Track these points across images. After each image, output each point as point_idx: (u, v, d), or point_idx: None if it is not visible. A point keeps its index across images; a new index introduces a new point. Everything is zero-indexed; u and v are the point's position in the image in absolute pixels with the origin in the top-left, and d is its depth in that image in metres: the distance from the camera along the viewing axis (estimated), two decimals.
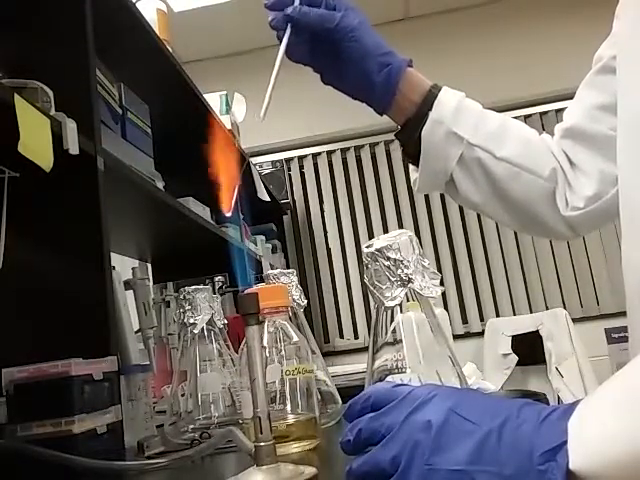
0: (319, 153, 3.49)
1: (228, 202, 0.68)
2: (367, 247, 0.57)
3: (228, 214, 0.66)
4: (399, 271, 0.55)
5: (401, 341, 0.56)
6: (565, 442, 0.37)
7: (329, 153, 3.49)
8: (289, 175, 3.48)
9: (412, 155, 0.81)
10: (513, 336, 2.65)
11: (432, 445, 0.40)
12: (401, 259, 0.56)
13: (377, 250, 0.56)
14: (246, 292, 0.60)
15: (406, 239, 0.56)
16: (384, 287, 0.56)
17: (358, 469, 0.43)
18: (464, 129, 0.77)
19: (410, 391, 0.44)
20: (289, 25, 0.72)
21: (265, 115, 0.70)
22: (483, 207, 0.82)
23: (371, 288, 0.57)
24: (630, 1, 0.64)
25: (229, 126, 2.10)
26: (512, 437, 0.39)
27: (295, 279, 0.92)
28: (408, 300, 0.56)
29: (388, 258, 0.56)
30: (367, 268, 0.57)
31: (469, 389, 0.45)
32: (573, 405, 0.39)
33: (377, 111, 0.81)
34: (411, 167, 0.84)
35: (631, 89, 0.61)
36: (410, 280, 0.55)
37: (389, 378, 0.55)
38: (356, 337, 3.33)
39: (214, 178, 0.67)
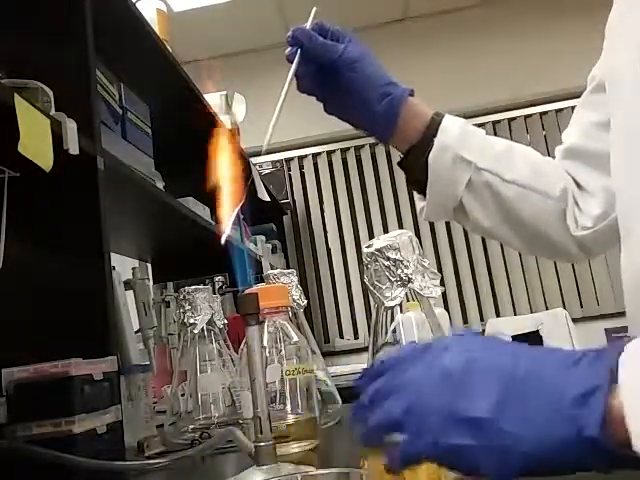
0: (319, 153, 3.49)
1: (230, 205, 0.68)
2: (367, 247, 0.57)
3: (230, 219, 0.66)
4: (399, 271, 0.56)
5: (401, 341, 0.56)
6: (598, 386, 0.35)
7: (329, 153, 3.49)
8: (289, 175, 3.48)
9: (417, 183, 0.81)
10: (513, 336, 2.65)
11: (452, 393, 0.38)
12: (401, 259, 0.56)
13: (377, 250, 0.56)
14: (246, 292, 0.60)
15: (406, 239, 0.56)
16: (384, 287, 0.56)
17: (370, 424, 0.41)
18: (471, 153, 0.77)
19: (427, 344, 0.43)
20: (298, 51, 0.74)
21: (266, 148, 0.71)
22: (493, 231, 0.81)
23: (371, 288, 0.57)
24: (614, 20, 0.65)
25: (229, 126, 2.10)
26: (538, 381, 0.37)
27: (295, 279, 0.92)
28: (408, 300, 0.56)
29: (388, 258, 0.56)
30: (367, 268, 0.57)
31: (488, 336, 0.43)
32: (604, 350, 0.37)
33: (380, 140, 0.82)
34: (416, 195, 0.83)
35: (618, 105, 0.61)
36: (410, 280, 0.56)
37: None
38: (356, 337, 3.33)
39: (214, 178, 0.67)
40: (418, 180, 0.80)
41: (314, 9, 0.79)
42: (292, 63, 0.74)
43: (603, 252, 0.74)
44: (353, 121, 0.81)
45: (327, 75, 0.77)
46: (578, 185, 0.78)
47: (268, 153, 3.40)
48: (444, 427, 0.38)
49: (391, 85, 0.77)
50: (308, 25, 0.77)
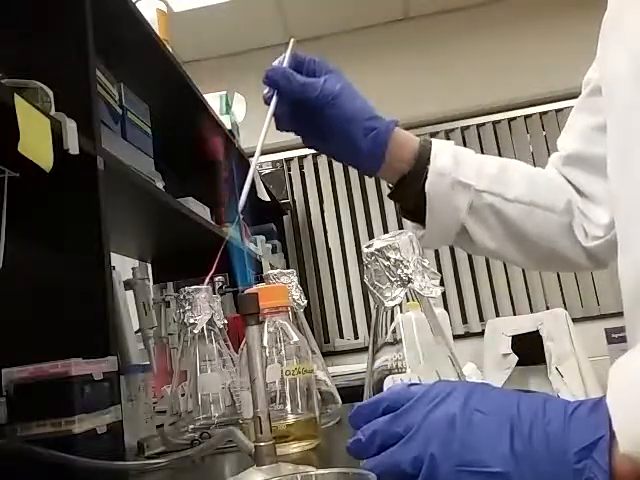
0: (319, 153, 3.48)
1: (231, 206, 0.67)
2: (367, 247, 0.57)
3: (232, 216, 0.65)
4: (399, 271, 0.55)
5: (401, 341, 0.56)
6: (600, 438, 0.36)
7: None
8: (289, 175, 3.49)
9: (410, 212, 0.80)
10: (513, 336, 2.65)
11: (459, 445, 0.39)
12: (401, 259, 0.56)
13: (377, 250, 0.56)
14: (246, 292, 0.60)
15: (406, 239, 0.56)
16: (384, 287, 0.56)
17: (372, 471, 0.41)
18: (468, 176, 0.75)
19: (427, 389, 0.43)
20: (275, 92, 0.71)
21: (243, 208, 0.67)
22: (499, 252, 0.80)
23: (371, 288, 0.57)
24: (608, 23, 0.65)
25: (229, 126, 2.10)
26: (543, 435, 0.38)
27: (295, 279, 0.92)
28: (408, 300, 0.56)
29: (388, 258, 0.56)
30: (367, 268, 0.57)
31: (485, 383, 0.44)
32: (601, 399, 0.39)
33: (367, 174, 0.80)
34: (410, 224, 0.82)
35: (614, 108, 0.61)
36: (410, 280, 0.55)
37: (389, 378, 0.55)
38: (356, 337, 3.33)
39: (214, 178, 0.67)
40: (412, 209, 0.79)
41: (292, 40, 0.74)
42: (269, 105, 0.71)
43: (614, 260, 0.70)
44: (336, 156, 0.79)
45: (306, 113, 0.73)
46: (582, 194, 0.77)
47: (265, 154, 3.40)
48: (453, 478, 0.38)
49: (374, 119, 0.74)
50: (286, 59, 0.73)
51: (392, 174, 0.78)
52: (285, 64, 0.73)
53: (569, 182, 0.79)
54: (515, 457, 0.38)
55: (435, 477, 0.39)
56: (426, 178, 0.75)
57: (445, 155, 0.76)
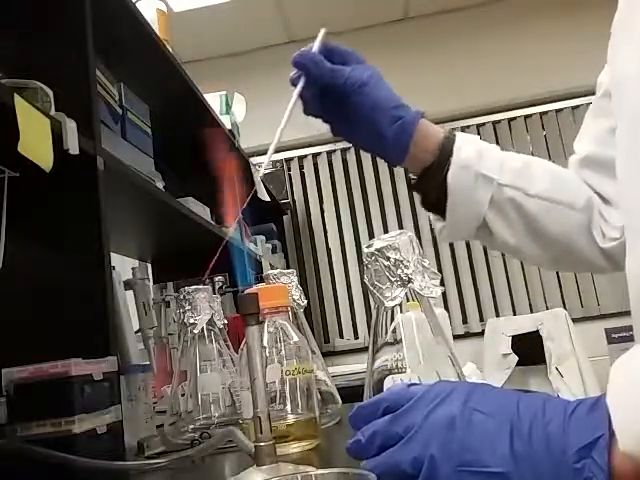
0: (319, 153, 3.49)
1: (231, 207, 0.68)
2: (367, 247, 0.57)
3: (232, 222, 0.66)
4: (399, 271, 0.55)
5: (401, 341, 0.56)
6: (599, 437, 0.37)
7: (329, 153, 3.49)
8: (289, 175, 3.48)
9: (433, 204, 0.79)
10: (513, 336, 2.65)
11: (459, 445, 0.39)
12: (401, 259, 0.56)
13: (377, 250, 0.56)
14: (246, 292, 0.60)
15: (406, 239, 0.56)
16: (384, 287, 0.56)
17: (372, 471, 0.41)
18: (491, 170, 0.75)
19: (426, 390, 0.44)
20: (302, 77, 0.72)
21: (264, 170, 0.70)
22: (519, 248, 0.79)
23: (371, 288, 0.57)
24: (618, 26, 0.65)
25: (229, 126, 2.10)
26: (542, 435, 0.38)
27: (295, 279, 0.92)
28: (408, 300, 0.56)
29: (388, 258, 0.56)
30: (367, 268, 0.57)
31: (484, 383, 0.44)
32: (600, 398, 0.39)
33: (390, 163, 0.80)
34: (433, 217, 0.82)
35: (623, 111, 0.61)
36: (410, 280, 0.55)
37: (389, 378, 0.55)
38: (356, 337, 3.33)
39: (214, 178, 0.67)
40: (433, 202, 0.79)
41: (323, 30, 0.76)
42: (295, 87, 0.72)
43: None
44: (362, 145, 0.79)
45: (334, 99, 0.74)
46: (599, 195, 0.77)
47: (264, 154, 3.40)
48: (454, 478, 0.39)
49: (401, 108, 0.75)
50: (315, 47, 0.74)
51: (415, 165, 0.78)
52: (315, 50, 0.74)
53: (587, 184, 0.79)
54: (515, 457, 0.38)
55: (435, 477, 0.39)
56: (448, 170, 0.75)
57: (469, 147, 0.76)
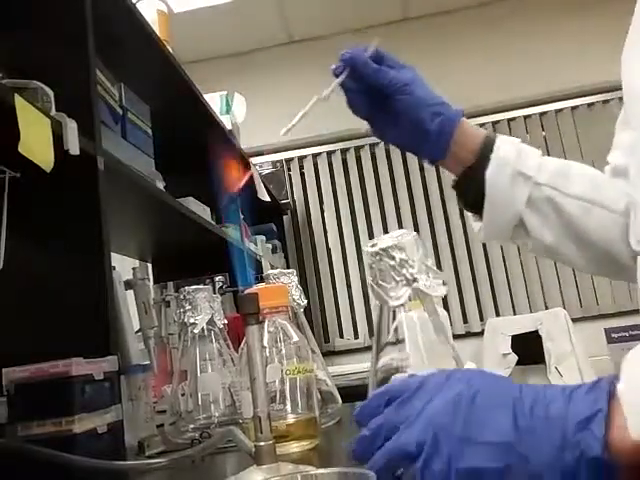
0: (319, 153, 3.49)
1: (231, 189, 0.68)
2: (371, 246, 0.57)
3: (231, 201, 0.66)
4: (404, 270, 0.55)
5: (404, 340, 0.56)
6: (598, 411, 0.38)
7: (329, 153, 3.49)
8: (289, 175, 3.48)
9: (472, 205, 0.80)
10: (513, 336, 2.65)
11: (463, 421, 0.40)
12: (406, 259, 0.56)
13: (382, 249, 0.56)
14: (246, 292, 0.60)
15: (411, 239, 0.57)
16: (389, 287, 0.56)
17: (381, 457, 0.42)
18: (530, 168, 0.76)
19: (428, 376, 0.45)
20: (346, 70, 0.76)
21: (287, 132, 0.75)
22: (556, 249, 0.79)
23: (375, 288, 0.57)
24: (631, 38, 0.66)
25: (229, 126, 2.10)
26: (544, 413, 0.39)
27: (295, 279, 0.92)
28: (411, 299, 0.56)
29: (393, 258, 0.56)
30: (371, 268, 0.57)
31: (484, 371, 0.46)
32: (599, 381, 0.40)
33: (430, 160, 0.81)
34: (471, 217, 0.82)
35: (637, 120, 0.62)
36: (415, 279, 0.56)
37: (394, 378, 0.55)
38: (356, 337, 3.33)
39: (214, 178, 0.67)
40: (473, 202, 0.79)
41: (376, 39, 0.80)
42: (337, 77, 0.75)
43: None
44: (402, 142, 0.81)
45: (377, 99, 0.77)
46: (631, 203, 0.76)
47: (268, 153, 3.40)
48: (461, 452, 0.39)
49: (443, 105, 0.77)
50: (369, 52, 0.78)
51: (455, 164, 0.79)
52: (367, 54, 0.77)
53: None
54: (517, 431, 0.39)
55: (439, 451, 0.40)
56: (488, 167, 0.76)
57: (508, 147, 0.77)
